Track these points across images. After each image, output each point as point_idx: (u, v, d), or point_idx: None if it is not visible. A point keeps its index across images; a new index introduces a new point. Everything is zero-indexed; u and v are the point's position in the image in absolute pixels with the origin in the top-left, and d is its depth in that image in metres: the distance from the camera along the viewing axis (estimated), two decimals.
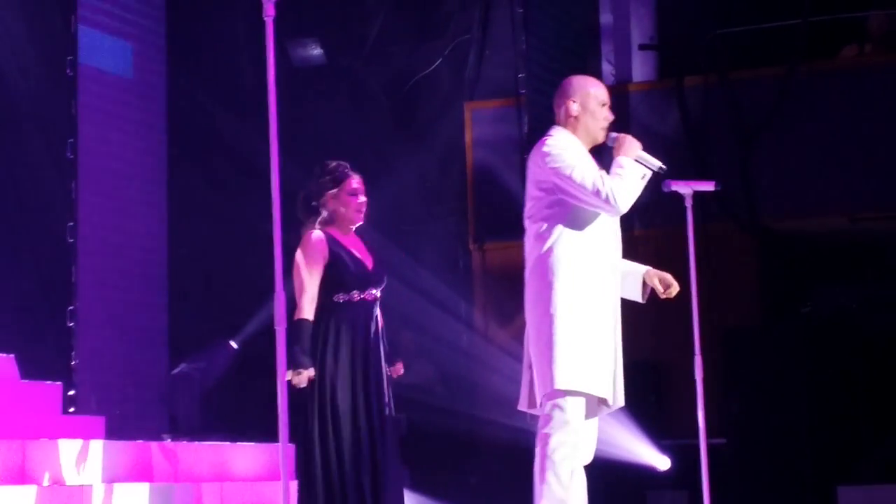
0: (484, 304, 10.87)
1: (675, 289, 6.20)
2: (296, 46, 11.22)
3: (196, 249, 11.22)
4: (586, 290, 5.92)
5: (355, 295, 6.78)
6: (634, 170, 6.01)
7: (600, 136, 6.18)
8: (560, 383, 5.74)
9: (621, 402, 5.99)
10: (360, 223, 6.95)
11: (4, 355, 8.40)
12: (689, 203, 7.12)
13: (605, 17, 11.76)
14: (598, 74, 11.65)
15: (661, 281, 6.19)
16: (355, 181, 6.90)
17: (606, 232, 6.07)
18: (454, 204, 11.11)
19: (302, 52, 11.28)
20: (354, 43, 11.45)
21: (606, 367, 5.90)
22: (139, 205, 10.75)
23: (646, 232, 10.54)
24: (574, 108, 6.17)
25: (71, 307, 9.36)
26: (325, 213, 6.85)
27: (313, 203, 6.87)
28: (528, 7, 10.21)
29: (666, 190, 7.05)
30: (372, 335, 6.77)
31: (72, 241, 9.41)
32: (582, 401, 5.80)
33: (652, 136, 11.17)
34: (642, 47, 11.58)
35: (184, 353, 10.66)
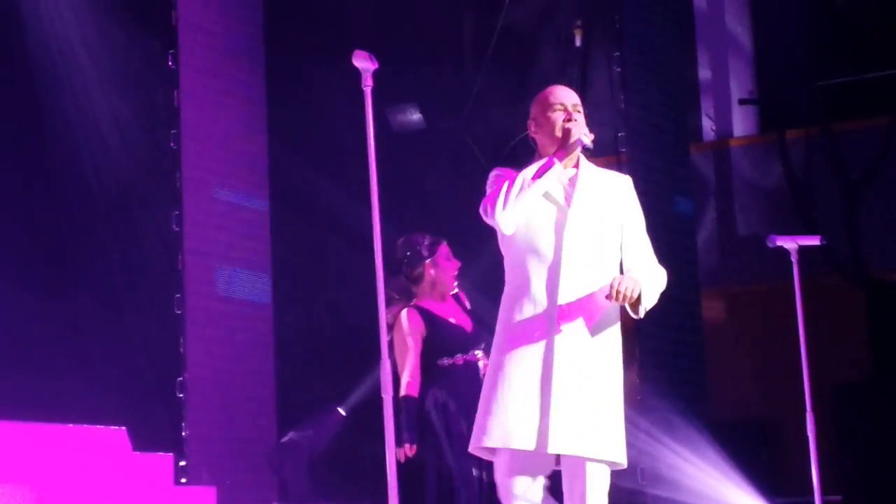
0: None
1: (621, 295, 4.97)
2: (395, 112, 11.28)
3: (302, 317, 11.28)
4: (511, 337, 5.08)
5: (459, 359, 6.80)
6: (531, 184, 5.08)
7: (569, 141, 5.15)
8: (474, 441, 5.11)
9: (574, 449, 4.99)
10: (455, 290, 6.99)
11: (116, 428, 8.48)
12: (794, 258, 7.05)
13: (704, 73, 11.72)
14: (698, 130, 11.62)
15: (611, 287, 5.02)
16: (446, 248, 6.96)
17: (548, 269, 5.09)
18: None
19: (401, 118, 11.34)
20: (453, 106, 11.50)
21: (527, 417, 4.98)
22: (244, 274, 10.84)
23: (752, 288, 10.44)
24: (532, 129, 5.34)
25: (180, 378, 9.44)
26: (420, 285, 6.89)
27: (407, 278, 6.93)
28: (625, 65, 10.19)
29: (771, 245, 7.00)
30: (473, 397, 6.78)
31: (179, 312, 9.50)
32: (506, 454, 5.06)
33: (755, 190, 11.10)
34: (742, 102, 11.52)
35: (292, 420, 10.70)
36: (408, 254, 6.97)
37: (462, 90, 11.47)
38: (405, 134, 11.31)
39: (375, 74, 5.03)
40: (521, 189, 5.04)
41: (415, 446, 6.59)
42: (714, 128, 11.55)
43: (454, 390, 6.74)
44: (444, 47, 11.60)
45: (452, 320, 6.89)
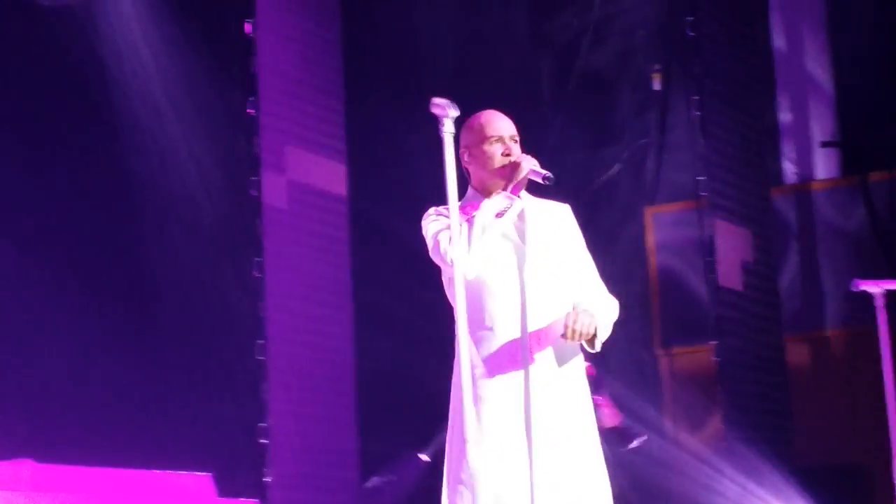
0: (673, 410, 10.72)
1: (577, 333, 4.80)
2: None
3: (383, 362, 11.29)
4: (482, 378, 4.93)
5: None
6: (493, 219, 4.93)
7: (519, 176, 5.00)
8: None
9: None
10: None
11: (202, 474, 8.52)
12: (879, 303, 6.98)
13: (784, 116, 11.65)
14: (779, 174, 11.54)
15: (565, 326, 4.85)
16: None
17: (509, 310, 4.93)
18: (638, 309, 11.02)
19: None
20: (532, 151, 11.48)
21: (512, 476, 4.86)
22: (325, 319, 10.85)
23: (837, 332, 10.32)
24: (465, 159, 5.17)
25: (263, 424, 9.47)
26: None
27: None
28: (705, 109, 10.16)
29: (855, 290, 6.93)
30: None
31: (262, 358, 9.55)
32: None
33: (838, 234, 10.99)
34: (824, 144, 11.43)
35: (374, 466, 10.69)
36: None
37: (540, 135, 11.48)
38: None
39: (456, 120, 5.04)
40: (484, 230, 4.88)
41: None
42: (795, 171, 11.47)
43: None
44: (521, 92, 11.62)
45: None
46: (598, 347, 4.94)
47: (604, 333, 4.96)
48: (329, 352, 10.82)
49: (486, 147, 5.09)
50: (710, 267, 9.86)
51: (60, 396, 10.16)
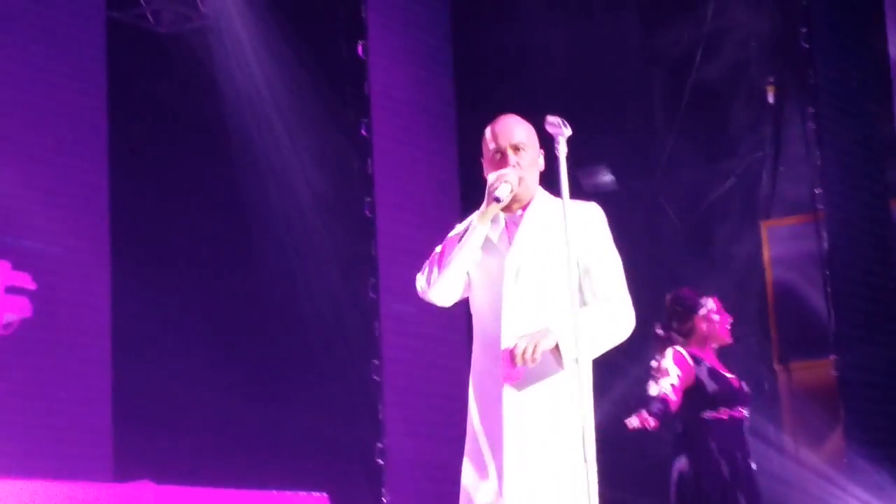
0: (793, 426, 10.58)
1: (519, 359, 4.46)
2: (587, 174, 11.27)
3: None
4: (472, 393, 4.73)
5: (723, 412, 6.76)
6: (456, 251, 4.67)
7: (488, 197, 4.65)
8: None
9: None
10: (730, 342, 6.99)
11: (319, 494, 8.57)
12: None
13: None
14: None
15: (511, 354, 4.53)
16: (716, 302, 6.97)
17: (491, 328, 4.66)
18: (755, 325, 10.90)
19: (593, 180, 11.32)
20: (645, 167, 11.44)
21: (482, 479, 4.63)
22: (440, 341, 10.87)
23: None
24: (484, 168, 4.86)
25: (379, 444, 9.50)
26: (690, 340, 6.90)
27: (678, 333, 6.94)
28: (820, 121, 10.03)
29: None
30: (740, 459, 6.74)
31: (377, 378, 9.58)
32: None
33: None
34: None
35: None
36: (677, 309, 7.01)
37: (654, 150, 11.41)
38: (597, 195, 11.28)
39: (569, 140, 5.02)
40: (451, 259, 4.64)
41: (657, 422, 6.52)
42: None
43: (718, 444, 6.72)
44: (633, 107, 11.57)
45: (722, 371, 6.91)
46: (568, 365, 4.51)
47: (578, 350, 4.48)
48: (444, 370, 10.82)
49: (490, 158, 4.81)
50: (828, 280, 9.74)
51: (179, 418, 10.28)
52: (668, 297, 7.10)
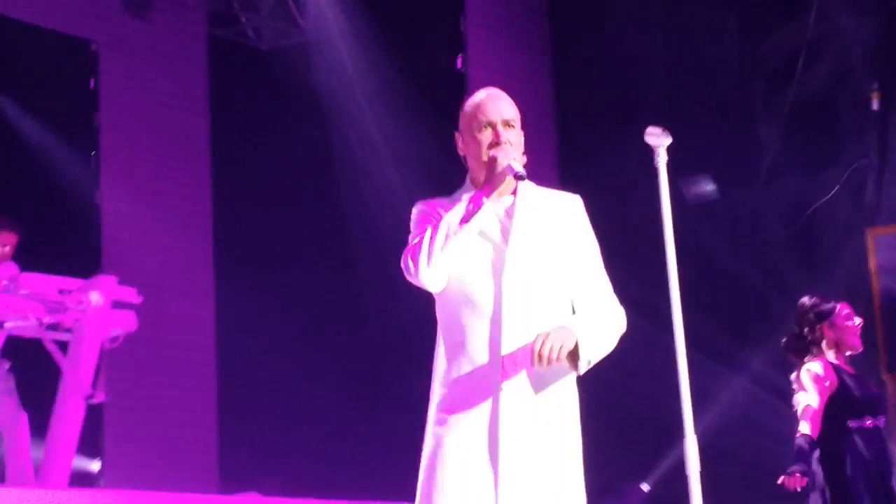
0: None
1: (545, 359, 4.03)
2: (689, 183, 11.20)
3: (603, 392, 11.23)
4: (448, 403, 4.21)
5: (867, 421, 6.70)
6: (458, 226, 4.19)
7: (495, 172, 4.27)
8: None
9: None
10: (861, 348, 6.93)
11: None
12: None
13: None
14: None
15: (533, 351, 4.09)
16: (846, 307, 6.91)
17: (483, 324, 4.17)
18: (863, 335, 10.77)
19: (695, 189, 11.25)
20: (748, 176, 11.35)
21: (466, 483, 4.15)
22: None
23: None
24: (459, 146, 4.45)
25: None
26: (820, 347, 6.85)
27: (808, 340, 6.88)
28: None
29: None
30: (885, 468, 6.68)
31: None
32: None
33: None
34: None
35: (596, 497, 10.63)
36: (809, 317, 6.95)
37: (755, 159, 11.32)
38: (699, 206, 11.21)
39: (669, 149, 4.98)
40: (447, 238, 4.15)
41: (805, 478, 6.45)
42: None
43: (861, 453, 6.65)
44: (736, 116, 11.49)
45: (862, 379, 6.87)
46: (582, 369, 4.19)
47: (593, 351, 4.19)
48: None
49: (477, 135, 4.31)
50: None
51: (284, 430, 10.36)
52: (800, 304, 7.01)
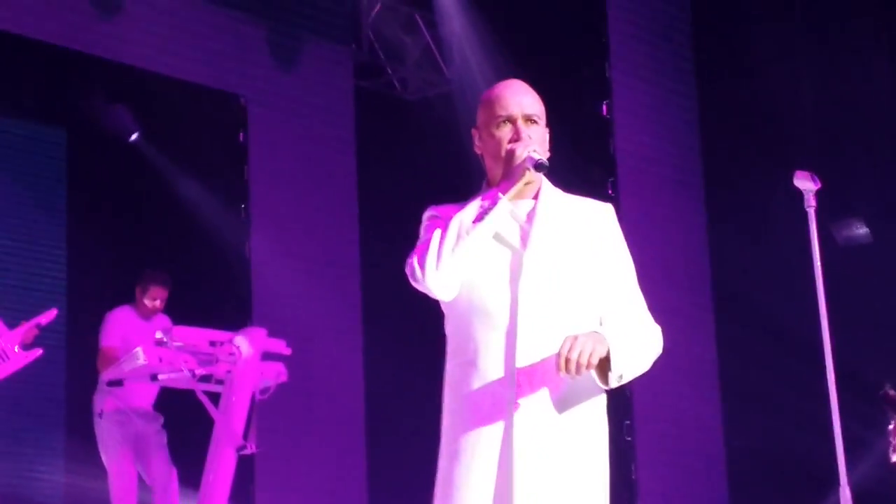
0: None
1: (572, 364, 3.60)
2: (840, 227, 11.00)
3: (753, 438, 11.05)
4: (459, 423, 3.81)
5: None
6: (471, 225, 3.81)
7: (512, 167, 3.87)
8: None
9: None
10: None
11: None
12: None
13: None
14: None
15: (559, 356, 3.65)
16: None
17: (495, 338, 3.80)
18: None
19: (847, 233, 11.05)
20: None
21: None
22: (692, 397, 10.72)
23: None
24: (477, 143, 4.01)
25: None
26: None
27: None
28: None
29: None
30: None
31: (629, 439, 9.50)
32: None
33: None
34: None
35: None
36: None
37: None
38: (851, 249, 11.01)
39: (818, 193, 4.92)
40: (459, 238, 3.77)
41: None
42: None
43: None
44: (888, 155, 11.28)
45: None
46: (613, 383, 3.72)
47: (625, 365, 3.71)
48: (697, 430, 10.68)
49: (495, 131, 3.91)
50: None
51: (434, 478, 10.33)
52: None
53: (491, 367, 3.77)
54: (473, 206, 3.83)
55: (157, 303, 8.98)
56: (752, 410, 11.07)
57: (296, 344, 8.62)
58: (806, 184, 4.87)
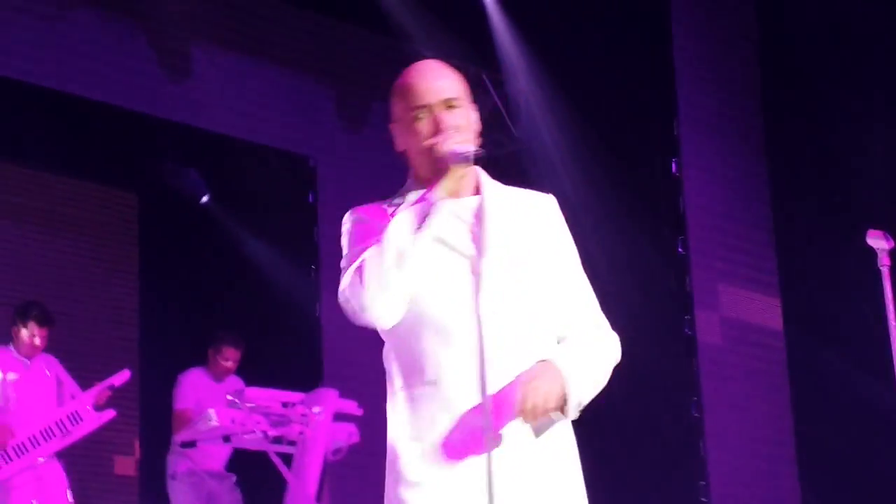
0: None
1: (530, 415, 3.26)
2: None
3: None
4: (418, 466, 3.34)
5: None
6: (412, 234, 3.30)
7: (440, 164, 3.36)
8: None
9: None
10: None
11: None
12: None
13: None
14: None
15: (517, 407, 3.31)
16: None
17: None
18: None
19: None
20: None
21: None
22: (768, 457, 10.61)
23: None
24: (397, 143, 3.53)
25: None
26: None
27: None
28: None
29: None
30: None
31: (704, 500, 9.42)
32: None
33: None
34: None
35: None
36: None
37: None
38: None
39: (892, 252, 4.88)
40: (402, 254, 3.25)
41: None
42: None
43: None
44: None
45: None
46: (572, 414, 3.36)
47: (584, 391, 3.36)
48: (773, 489, 10.56)
49: (414, 124, 3.41)
50: None
51: None
52: None
53: (459, 393, 3.29)
54: (408, 213, 3.31)
55: (230, 364, 9.04)
56: (829, 474, 10.89)
57: (367, 404, 8.63)
58: (879, 242, 4.83)
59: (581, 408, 3.37)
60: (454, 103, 3.42)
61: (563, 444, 3.41)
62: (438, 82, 3.45)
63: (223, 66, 10.11)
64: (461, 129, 3.41)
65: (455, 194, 3.39)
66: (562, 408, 3.32)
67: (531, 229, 3.46)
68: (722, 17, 10.86)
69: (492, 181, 3.52)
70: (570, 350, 3.40)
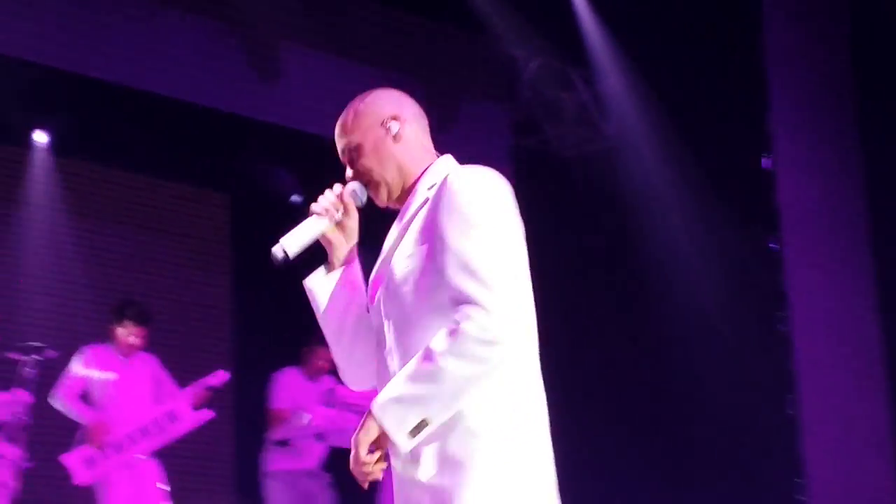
0: None
1: (363, 481, 3.24)
2: None
3: None
4: None
5: None
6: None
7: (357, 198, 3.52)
8: None
9: None
10: None
11: None
12: None
13: None
14: None
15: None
16: None
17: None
18: None
19: None
20: None
21: None
22: (864, 458, 10.47)
23: None
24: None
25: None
26: None
27: None
28: None
29: None
30: None
31: (803, 498, 9.34)
32: None
33: None
34: None
35: None
36: None
37: None
38: None
39: None
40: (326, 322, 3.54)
41: None
42: None
43: None
44: None
45: None
46: (405, 446, 3.18)
47: (403, 419, 3.16)
48: (871, 487, 10.43)
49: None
50: None
51: None
52: None
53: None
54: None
55: (324, 363, 9.07)
56: None
57: None
58: None
59: (420, 429, 3.15)
60: (349, 150, 3.50)
61: (452, 458, 3.19)
62: (338, 131, 3.53)
63: (313, 65, 10.14)
64: (363, 172, 3.48)
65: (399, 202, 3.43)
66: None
67: (408, 241, 3.35)
68: (814, 11, 10.75)
69: (432, 178, 3.43)
70: (392, 382, 3.24)
